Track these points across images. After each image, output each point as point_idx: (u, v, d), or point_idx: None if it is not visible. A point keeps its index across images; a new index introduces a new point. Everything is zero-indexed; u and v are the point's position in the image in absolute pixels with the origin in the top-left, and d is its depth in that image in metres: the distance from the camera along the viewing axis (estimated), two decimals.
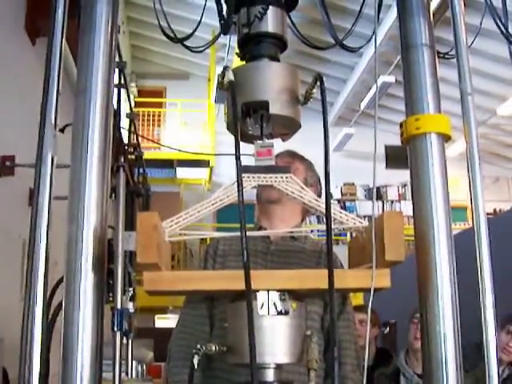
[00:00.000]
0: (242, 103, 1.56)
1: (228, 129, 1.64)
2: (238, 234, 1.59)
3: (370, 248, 1.50)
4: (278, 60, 1.68)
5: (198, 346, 1.62)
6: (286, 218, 2.43)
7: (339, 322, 2.33)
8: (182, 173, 15.63)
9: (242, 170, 1.41)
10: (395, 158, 14.68)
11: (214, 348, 1.60)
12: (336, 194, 16.27)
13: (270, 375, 1.52)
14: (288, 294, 1.54)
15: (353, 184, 16.58)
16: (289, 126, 1.68)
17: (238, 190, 1.37)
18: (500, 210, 14.60)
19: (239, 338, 1.52)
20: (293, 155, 2.49)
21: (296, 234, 2.44)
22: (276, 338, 1.52)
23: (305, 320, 1.62)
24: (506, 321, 4.08)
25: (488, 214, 1.47)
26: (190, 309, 2.43)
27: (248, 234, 1.37)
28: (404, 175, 13.37)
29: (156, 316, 14.46)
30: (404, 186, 16.32)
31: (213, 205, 1.59)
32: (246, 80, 1.60)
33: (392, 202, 16.42)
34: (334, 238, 1.49)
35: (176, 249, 14.11)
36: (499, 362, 3.87)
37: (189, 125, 15.53)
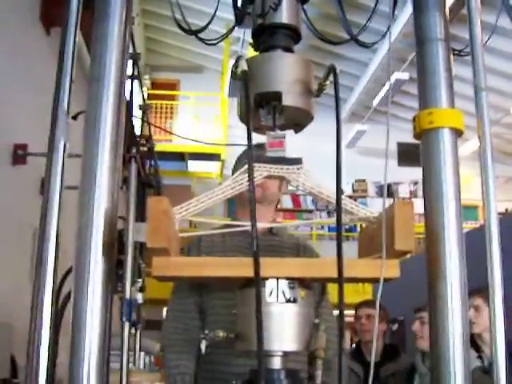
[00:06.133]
0: (255, 94, 1.56)
1: (241, 119, 1.64)
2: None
3: (379, 238, 1.50)
4: (292, 51, 1.68)
5: (206, 332, 1.63)
6: (265, 215, 2.50)
7: (322, 309, 2.42)
8: (193, 166, 15.65)
9: (253, 159, 1.40)
10: (407, 155, 14.64)
11: (221, 334, 1.61)
12: (347, 190, 16.25)
13: (276, 363, 1.52)
14: (297, 282, 1.54)
15: (364, 181, 16.55)
16: (301, 118, 1.68)
17: (250, 180, 1.37)
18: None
19: (247, 326, 1.52)
20: None
21: (275, 228, 2.55)
22: (284, 325, 1.52)
23: (313, 308, 1.62)
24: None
25: (499, 213, 1.46)
26: (179, 304, 2.49)
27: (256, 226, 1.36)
28: (415, 173, 13.34)
29: (164, 308, 14.48)
30: (415, 183, 16.28)
31: (223, 193, 1.59)
32: (259, 70, 1.59)
33: (403, 199, 16.38)
34: (344, 233, 1.48)
35: (185, 241, 14.10)
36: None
37: (201, 118, 15.53)
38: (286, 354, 1.54)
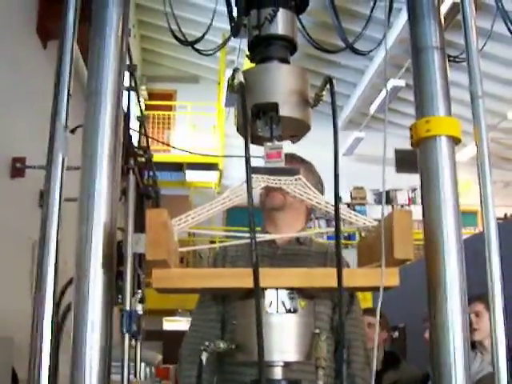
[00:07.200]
0: (251, 105, 1.57)
1: (238, 131, 1.64)
2: (246, 240, 1.59)
3: (378, 247, 1.49)
4: (288, 62, 1.68)
5: (207, 343, 1.62)
6: (291, 223, 2.47)
7: (347, 321, 2.35)
8: (191, 176, 15.67)
9: (251, 170, 1.40)
10: (405, 161, 14.64)
11: (222, 345, 1.60)
12: (346, 197, 16.24)
13: (278, 373, 1.52)
14: (297, 292, 1.54)
15: (362, 188, 16.55)
16: (298, 128, 1.68)
17: (248, 191, 1.37)
18: (511, 215, 14.55)
19: (248, 336, 1.52)
20: (291, 157, 2.48)
21: (302, 237, 2.49)
22: (284, 335, 1.51)
23: (314, 318, 1.61)
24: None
25: (498, 218, 1.46)
26: (201, 313, 2.46)
27: (256, 237, 1.36)
28: (414, 179, 13.33)
29: (164, 318, 14.47)
30: (414, 190, 16.28)
31: (222, 204, 1.59)
32: (255, 82, 1.59)
33: (402, 206, 16.37)
34: (343, 241, 1.48)
35: (185, 251, 14.08)
36: None
37: (198, 128, 15.56)
38: (287, 365, 1.54)
